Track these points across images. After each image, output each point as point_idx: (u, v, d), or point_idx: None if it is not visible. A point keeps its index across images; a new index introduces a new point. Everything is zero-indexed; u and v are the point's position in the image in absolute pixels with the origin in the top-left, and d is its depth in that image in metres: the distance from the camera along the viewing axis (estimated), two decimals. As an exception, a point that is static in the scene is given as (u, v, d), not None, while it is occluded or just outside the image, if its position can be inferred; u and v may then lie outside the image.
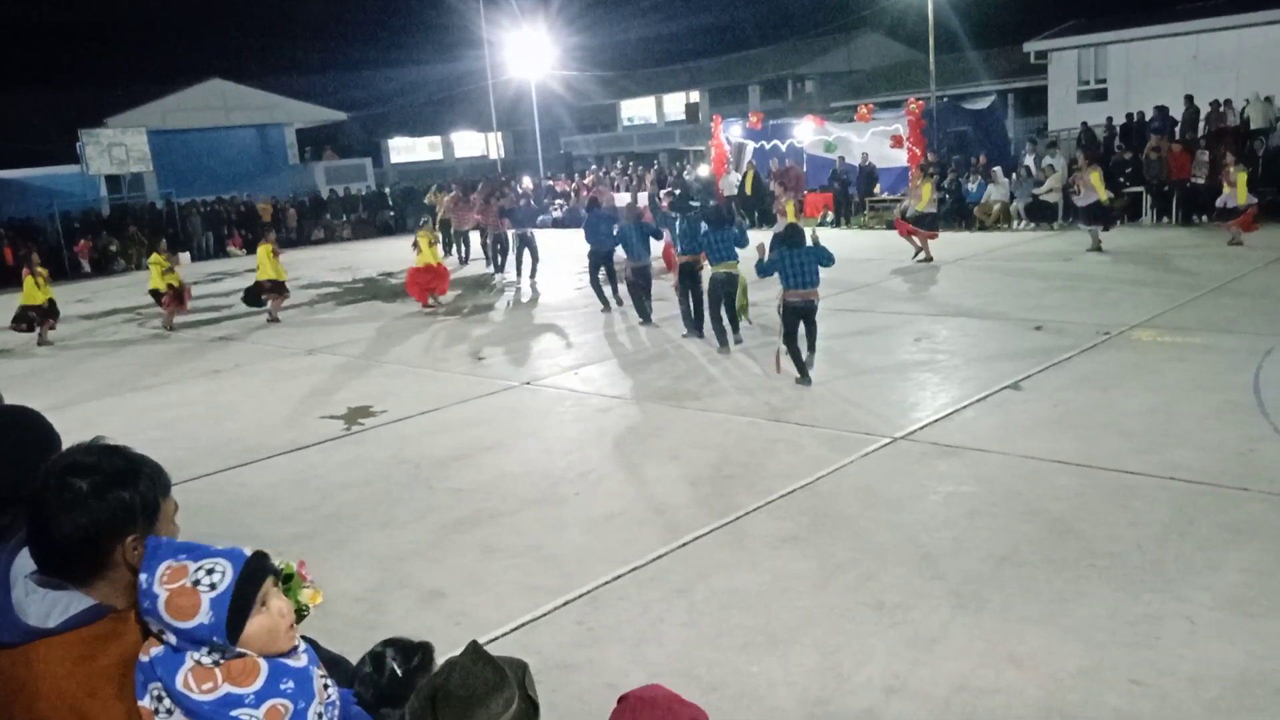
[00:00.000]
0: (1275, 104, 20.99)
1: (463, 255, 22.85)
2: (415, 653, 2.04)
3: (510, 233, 19.23)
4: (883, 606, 4.79)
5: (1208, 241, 16.34)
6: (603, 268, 14.28)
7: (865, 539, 5.62)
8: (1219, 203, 16.67)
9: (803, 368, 9.30)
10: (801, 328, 9.28)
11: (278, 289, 15.97)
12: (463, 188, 26.67)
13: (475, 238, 22.51)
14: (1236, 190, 16.17)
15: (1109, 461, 6.52)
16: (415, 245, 16.32)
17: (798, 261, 9.11)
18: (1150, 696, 3.89)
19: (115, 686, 1.62)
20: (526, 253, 18.47)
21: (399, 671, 2.00)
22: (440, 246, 16.91)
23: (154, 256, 16.20)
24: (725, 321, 10.93)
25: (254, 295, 16.11)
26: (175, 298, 15.81)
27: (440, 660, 1.89)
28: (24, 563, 1.73)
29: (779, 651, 4.45)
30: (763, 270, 9.49)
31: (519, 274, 18.64)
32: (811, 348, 9.37)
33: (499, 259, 20.04)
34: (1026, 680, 4.06)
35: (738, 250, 10.80)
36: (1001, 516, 5.79)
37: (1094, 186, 16.65)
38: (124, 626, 1.67)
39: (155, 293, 15.98)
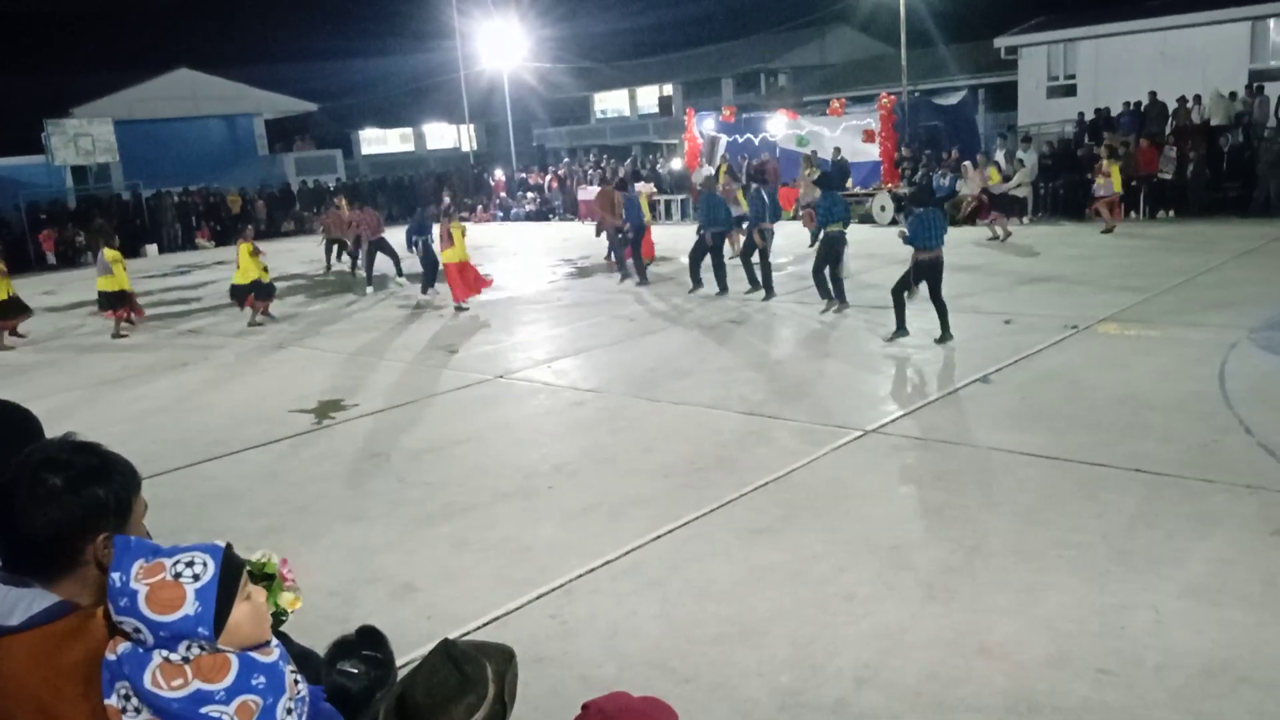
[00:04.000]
0: (1238, 99, 21.16)
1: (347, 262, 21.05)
2: (369, 642, 2.03)
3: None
4: (854, 597, 4.82)
5: (1176, 235, 16.55)
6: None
7: (837, 531, 5.65)
8: (1095, 191, 18.75)
9: (902, 319, 10.26)
10: (925, 288, 10.05)
11: (263, 292, 14.77)
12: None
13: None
14: (1112, 180, 18.20)
15: (1076, 453, 6.59)
16: (448, 236, 14.40)
17: (930, 221, 9.87)
18: (1117, 685, 3.94)
19: (81, 684, 1.60)
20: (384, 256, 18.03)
21: (371, 669, 1.99)
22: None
23: (113, 254, 14.74)
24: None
25: (240, 296, 14.85)
26: (114, 303, 14.52)
27: (413, 652, 1.89)
28: None
29: (752, 643, 4.47)
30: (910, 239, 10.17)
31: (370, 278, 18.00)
32: (942, 310, 10.16)
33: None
34: (995, 670, 4.11)
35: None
36: (970, 508, 5.84)
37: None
38: (90, 624, 1.65)
39: (122, 295, 14.63)
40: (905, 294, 10.16)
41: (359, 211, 19.08)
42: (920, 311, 11.92)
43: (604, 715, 1.79)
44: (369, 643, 2.05)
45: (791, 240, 18.32)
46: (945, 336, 10.02)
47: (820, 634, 4.50)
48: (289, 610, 2.13)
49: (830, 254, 12.21)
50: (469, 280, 14.67)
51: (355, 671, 1.99)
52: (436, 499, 6.68)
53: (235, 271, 15.12)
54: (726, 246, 14.66)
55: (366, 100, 50.53)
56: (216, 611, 1.57)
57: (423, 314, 14.77)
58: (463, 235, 14.52)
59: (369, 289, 17.65)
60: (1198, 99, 21.62)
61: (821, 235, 12.40)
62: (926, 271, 9.95)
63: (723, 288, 14.12)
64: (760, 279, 13.73)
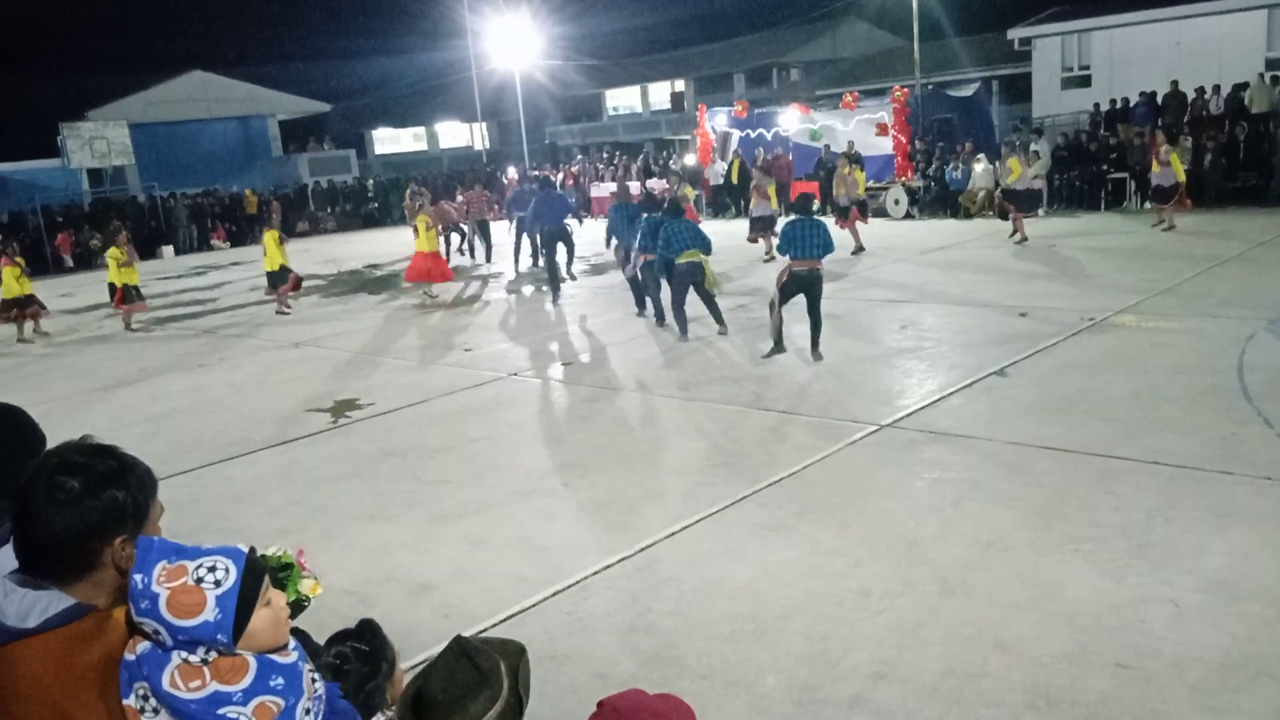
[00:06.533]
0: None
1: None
2: (366, 636, 2.05)
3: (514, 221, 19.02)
4: (870, 593, 4.81)
5: (1192, 226, 16.43)
6: (562, 245, 14.55)
7: (852, 526, 5.64)
8: (1155, 182, 17.20)
9: (780, 337, 9.56)
10: (804, 302, 9.36)
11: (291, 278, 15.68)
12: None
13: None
14: (1173, 169, 16.71)
15: (1094, 446, 6.55)
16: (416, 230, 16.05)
17: (806, 231, 9.24)
18: (1135, 680, 3.92)
19: (96, 687, 1.61)
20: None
21: (365, 650, 2.01)
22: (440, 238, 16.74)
23: (111, 250, 15.63)
24: (710, 310, 11.14)
25: (277, 281, 15.70)
26: (125, 297, 15.35)
27: (430, 650, 1.90)
28: (2, 562, 1.72)
29: (767, 639, 4.47)
30: (781, 247, 9.61)
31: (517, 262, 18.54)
32: (816, 325, 9.46)
33: (484, 249, 20.20)
34: (1013, 665, 4.09)
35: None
36: (987, 502, 5.82)
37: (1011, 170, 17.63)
38: (105, 626, 1.65)
39: (113, 288, 15.52)
40: (780, 310, 9.48)
41: (469, 193, 20.08)
42: (923, 311, 11.87)
43: (619, 713, 1.79)
44: (363, 636, 2.06)
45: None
46: (816, 354, 9.45)
47: (836, 630, 4.50)
48: (311, 596, 2.15)
49: (681, 287, 10.99)
50: (423, 269, 15.88)
51: (345, 666, 2.00)
52: (452, 498, 6.69)
53: (264, 259, 15.81)
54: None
55: (379, 100, 50.68)
56: (236, 618, 1.58)
57: (437, 313, 14.81)
58: (426, 229, 15.83)
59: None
60: (1215, 89, 21.46)
61: (670, 267, 11.00)
62: (802, 284, 9.30)
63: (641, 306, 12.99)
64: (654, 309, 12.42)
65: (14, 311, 15.24)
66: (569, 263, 14.65)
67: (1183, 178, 16.86)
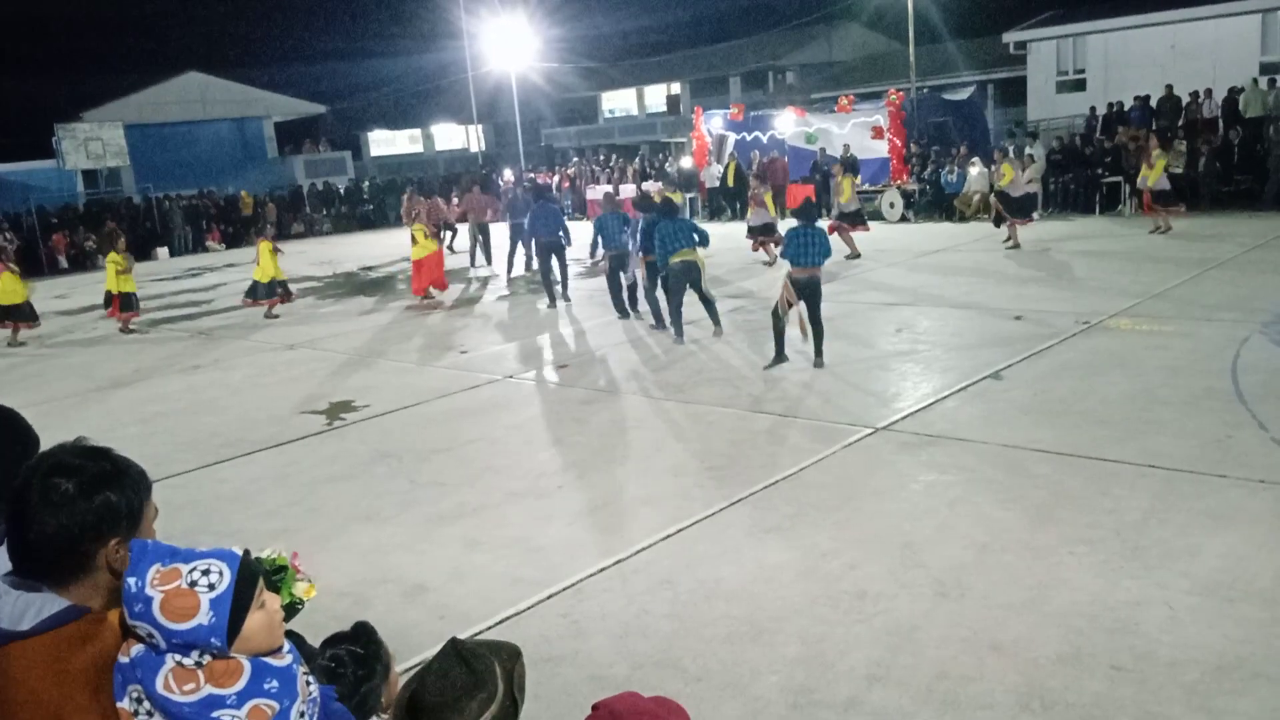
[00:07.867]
0: (1278, 86, 20.74)
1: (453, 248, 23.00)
2: (360, 639, 2.04)
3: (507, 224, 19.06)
4: (865, 595, 4.81)
5: (1187, 230, 16.47)
6: (554, 257, 14.47)
7: (848, 529, 5.64)
8: (1140, 184, 17.31)
9: (782, 346, 9.57)
10: (804, 308, 9.35)
11: (285, 290, 15.69)
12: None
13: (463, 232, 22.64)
14: (1155, 172, 16.76)
15: (1088, 449, 6.56)
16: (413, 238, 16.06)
17: (808, 239, 9.25)
18: (1130, 681, 3.93)
19: (90, 689, 1.60)
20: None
21: (360, 653, 2.00)
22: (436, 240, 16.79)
23: (112, 255, 15.38)
24: (706, 310, 11.20)
25: (261, 293, 15.63)
26: (122, 306, 15.22)
27: (426, 652, 1.89)
28: None
29: (763, 641, 4.47)
30: (785, 254, 9.68)
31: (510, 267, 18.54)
32: (818, 333, 9.46)
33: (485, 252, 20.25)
34: (1008, 667, 4.09)
35: (695, 237, 11.00)
36: (983, 504, 5.82)
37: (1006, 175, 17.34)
38: (99, 628, 1.65)
39: (109, 295, 15.42)
40: (784, 317, 9.50)
41: (468, 195, 20.25)
42: (919, 314, 11.90)
43: (614, 715, 1.79)
44: (358, 638, 2.05)
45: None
46: (818, 360, 9.41)
47: (831, 632, 4.50)
48: (305, 599, 2.14)
49: (678, 288, 11.01)
50: (426, 276, 16.01)
51: (339, 669, 1.99)
52: (448, 499, 6.69)
53: (255, 269, 15.73)
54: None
55: (375, 102, 50.67)
56: (230, 621, 1.58)
57: (433, 315, 14.80)
58: (425, 236, 15.88)
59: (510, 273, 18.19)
60: (1208, 93, 21.52)
61: (667, 268, 11.00)
62: (803, 291, 9.31)
63: (622, 312, 13.03)
64: (626, 306, 13.00)
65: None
66: (564, 283, 14.75)
67: (1153, 183, 16.88)
